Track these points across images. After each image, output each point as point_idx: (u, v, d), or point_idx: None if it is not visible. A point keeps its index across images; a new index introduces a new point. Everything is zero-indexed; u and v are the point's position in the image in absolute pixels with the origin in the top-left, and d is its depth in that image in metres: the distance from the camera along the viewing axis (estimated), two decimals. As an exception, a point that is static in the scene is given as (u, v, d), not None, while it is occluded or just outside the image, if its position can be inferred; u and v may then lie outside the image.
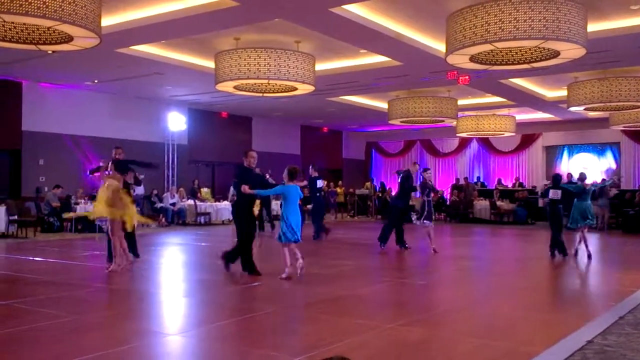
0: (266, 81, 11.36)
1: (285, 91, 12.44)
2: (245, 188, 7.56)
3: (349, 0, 9.06)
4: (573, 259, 10.00)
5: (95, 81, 15.24)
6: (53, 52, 10.18)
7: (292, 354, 4.10)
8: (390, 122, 17.17)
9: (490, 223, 19.37)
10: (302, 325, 5.16)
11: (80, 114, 16.58)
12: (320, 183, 13.07)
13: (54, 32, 8.02)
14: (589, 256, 9.93)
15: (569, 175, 18.20)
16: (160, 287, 7.60)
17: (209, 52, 12.29)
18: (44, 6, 7.13)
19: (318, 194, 13.22)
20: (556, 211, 10.13)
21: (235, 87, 12.19)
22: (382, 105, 18.51)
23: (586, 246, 10.04)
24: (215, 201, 18.75)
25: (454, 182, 23.30)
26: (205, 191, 19.40)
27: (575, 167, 22.70)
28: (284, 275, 7.41)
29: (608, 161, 22.32)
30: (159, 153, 18.65)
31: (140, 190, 17.06)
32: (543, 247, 12.71)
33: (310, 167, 13.09)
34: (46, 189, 15.43)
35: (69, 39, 8.19)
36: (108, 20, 9.99)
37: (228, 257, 8.01)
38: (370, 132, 26.75)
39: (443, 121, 16.87)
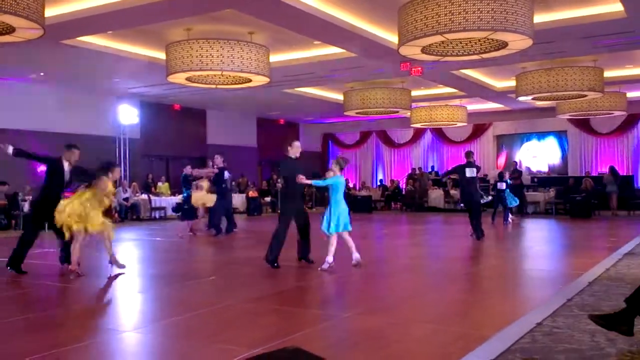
0: (219, 73, 11.22)
1: (239, 83, 12.32)
2: (301, 178, 7.58)
3: (301, -9, 9.04)
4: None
5: (41, 74, 14.73)
6: (-6, 43, 9.77)
7: (249, 347, 4.09)
8: (346, 113, 17.25)
9: (445, 211, 19.76)
10: (259, 318, 5.15)
11: (26, 107, 16.00)
12: (227, 174, 12.32)
13: (-6, 22, 7.70)
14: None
15: (515, 164, 18.78)
16: (114, 283, 7.43)
17: (160, 43, 12.04)
18: (-16, -4, 6.84)
19: (224, 186, 12.33)
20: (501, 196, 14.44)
21: (187, 79, 11.99)
22: (338, 96, 18.56)
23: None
24: (171, 195, 18.46)
25: (410, 172, 23.64)
26: (162, 185, 19.09)
27: (525, 155, 23.40)
28: (325, 266, 7.39)
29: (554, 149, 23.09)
30: (111, 147, 18.22)
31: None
32: (491, 232, 13.08)
33: (218, 156, 12.53)
34: (-9, 186, 14.86)
35: (10, 30, 7.87)
36: (52, 11, 9.65)
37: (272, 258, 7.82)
38: (327, 124, 26.82)
39: (397, 112, 17.08)
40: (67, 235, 7.13)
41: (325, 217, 7.61)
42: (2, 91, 15.54)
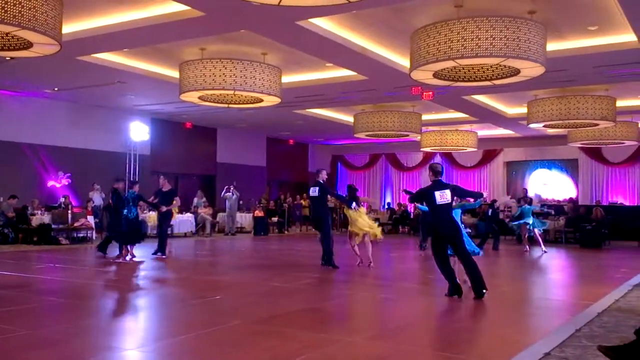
0: (232, 92, 11.30)
1: (251, 103, 12.40)
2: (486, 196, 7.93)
3: (315, 14, 9.13)
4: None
5: (56, 89, 14.90)
6: (11, 58, 9.93)
7: (252, 369, 4.03)
8: (355, 135, 17.28)
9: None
10: (264, 339, 5.09)
11: (39, 122, 16.17)
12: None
13: (12, 37, 7.81)
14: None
15: (525, 191, 18.66)
16: (118, 300, 7.40)
17: (174, 62, 12.16)
18: (3, 11, 6.94)
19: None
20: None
21: (200, 98, 12.08)
22: (348, 118, 18.62)
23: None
24: (178, 213, 18.45)
25: (418, 196, 23.54)
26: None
27: (535, 183, 23.27)
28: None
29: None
30: (121, 163, 18.32)
31: (98, 200, 16.69)
32: (502, 260, 12.96)
33: (162, 177, 12.39)
34: (1, 199, 14.94)
35: (28, 45, 7.99)
36: (69, 27, 9.80)
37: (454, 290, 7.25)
38: (336, 145, 26.87)
39: (407, 135, 17.08)
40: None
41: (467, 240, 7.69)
42: (17, 106, 15.72)
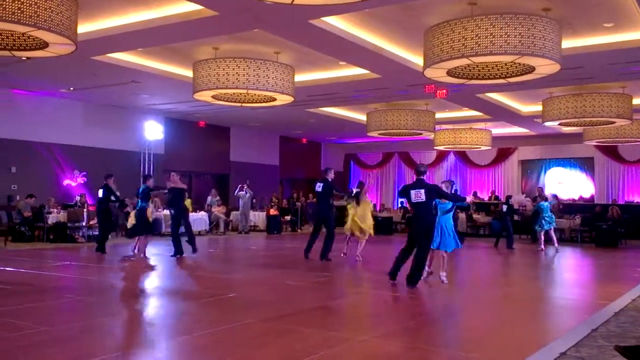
0: (245, 91, 11.33)
1: (264, 101, 12.42)
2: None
3: (328, 13, 9.11)
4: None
5: (71, 89, 15.04)
6: (27, 58, 10.01)
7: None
8: (368, 134, 17.24)
9: (467, 235, 19.49)
10: (276, 337, 5.10)
11: (54, 121, 16.33)
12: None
13: (28, 38, 7.90)
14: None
15: (540, 190, 18.47)
16: (131, 298, 7.46)
17: (188, 61, 12.22)
18: (19, 11, 7.02)
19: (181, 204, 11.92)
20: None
21: (213, 97, 12.12)
22: (361, 117, 18.58)
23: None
24: (192, 211, 18.55)
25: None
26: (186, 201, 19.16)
27: (551, 181, 23.07)
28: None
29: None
30: (135, 162, 18.46)
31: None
32: (517, 259, 12.86)
33: (173, 174, 12.08)
34: (18, 197, 15.12)
35: (44, 45, 8.07)
36: (85, 27, 9.88)
37: (412, 281, 7.79)
38: (349, 144, 26.83)
39: (421, 134, 17.02)
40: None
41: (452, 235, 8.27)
42: (33, 105, 15.88)
